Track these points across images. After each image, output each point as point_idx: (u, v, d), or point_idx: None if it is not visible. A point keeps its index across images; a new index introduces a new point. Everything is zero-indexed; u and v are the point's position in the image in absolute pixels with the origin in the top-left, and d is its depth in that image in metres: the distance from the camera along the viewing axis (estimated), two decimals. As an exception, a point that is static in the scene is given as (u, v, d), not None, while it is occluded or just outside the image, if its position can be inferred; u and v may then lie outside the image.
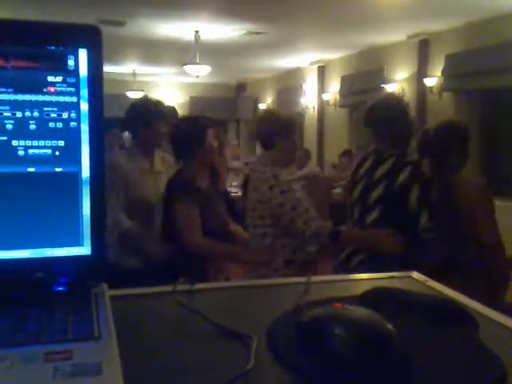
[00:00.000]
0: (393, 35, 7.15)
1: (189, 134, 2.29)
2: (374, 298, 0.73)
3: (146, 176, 2.42)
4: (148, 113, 2.41)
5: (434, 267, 1.71)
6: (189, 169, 2.29)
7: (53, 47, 0.64)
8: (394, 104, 2.34)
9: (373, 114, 2.32)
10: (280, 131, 2.27)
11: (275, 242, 2.21)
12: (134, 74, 10.52)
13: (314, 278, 0.84)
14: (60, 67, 0.64)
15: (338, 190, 5.94)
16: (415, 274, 0.91)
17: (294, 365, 0.56)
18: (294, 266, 2.22)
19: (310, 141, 9.55)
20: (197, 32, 6.95)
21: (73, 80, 0.64)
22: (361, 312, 0.58)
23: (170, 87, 11.69)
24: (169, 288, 0.76)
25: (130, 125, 2.51)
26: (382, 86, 7.74)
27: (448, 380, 0.55)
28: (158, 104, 2.51)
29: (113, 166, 2.30)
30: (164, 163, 2.54)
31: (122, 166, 2.35)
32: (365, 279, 0.90)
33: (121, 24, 6.55)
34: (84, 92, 0.65)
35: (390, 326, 0.56)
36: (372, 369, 0.52)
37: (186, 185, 2.24)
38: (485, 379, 0.55)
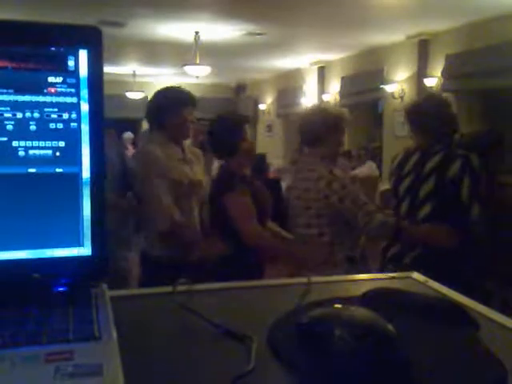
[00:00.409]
0: (393, 35, 7.16)
1: (231, 129, 2.30)
2: (374, 298, 0.73)
3: (181, 165, 2.36)
4: (175, 99, 2.36)
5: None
6: (234, 163, 2.30)
7: (53, 48, 0.64)
8: (439, 101, 2.37)
9: (418, 111, 2.32)
10: (330, 127, 2.26)
11: (334, 240, 2.19)
12: (133, 75, 10.52)
13: (315, 279, 0.84)
14: (60, 68, 0.64)
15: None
16: (416, 275, 0.91)
17: (295, 365, 0.56)
18: (354, 262, 2.21)
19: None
20: (197, 33, 6.96)
21: (73, 81, 0.65)
22: (361, 312, 0.58)
23: (170, 88, 11.66)
24: (169, 289, 0.76)
25: (155, 114, 2.40)
26: (382, 86, 7.75)
27: (448, 381, 0.55)
28: (183, 90, 2.45)
29: (153, 158, 2.26)
30: (192, 153, 2.50)
31: (159, 156, 2.28)
32: (365, 280, 0.90)
33: (121, 25, 6.55)
34: (84, 93, 0.65)
35: (390, 327, 0.56)
36: (372, 369, 0.52)
37: (235, 176, 2.24)
38: (485, 380, 0.55)
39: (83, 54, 0.65)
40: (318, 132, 2.27)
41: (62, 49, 0.64)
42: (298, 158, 2.50)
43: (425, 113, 2.28)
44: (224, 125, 2.36)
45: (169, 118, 2.34)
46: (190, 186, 2.32)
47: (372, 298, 0.73)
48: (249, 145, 2.38)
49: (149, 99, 2.50)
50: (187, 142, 2.58)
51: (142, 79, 10.84)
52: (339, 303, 0.64)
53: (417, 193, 2.21)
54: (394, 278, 0.89)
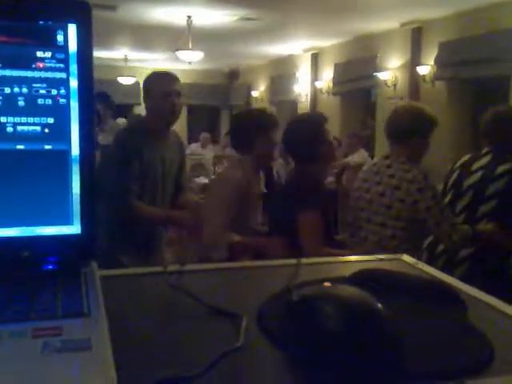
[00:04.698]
0: (386, 23, 7.13)
1: (311, 133, 2.17)
2: (363, 279, 0.73)
3: (257, 203, 2.30)
4: (264, 122, 2.22)
5: None
6: (315, 169, 2.17)
7: (42, 22, 0.63)
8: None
9: (496, 123, 2.35)
10: (420, 127, 2.21)
11: (402, 245, 2.13)
12: (125, 60, 10.41)
13: (304, 260, 0.84)
14: (49, 43, 0.63)
15: (331, 179, 5.96)
16: (405, 257, 0.91)
17: (284, 342, 0.56)
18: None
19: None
20: (189, 17, 6.88)
21: (62, 56, 0.63)
22: (350, 291, 0.58)
23: (162, 73, 11.55)
24: (159, 269, 0.76)
25: (240, 138, 2.26)
26: (375, 74, 7.73)
27: (436, 359, 0.56)
28: (266, 111, 2.34)
29: (236, 182, 2.16)
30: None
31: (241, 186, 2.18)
32: (354, 261, 0.90)
33: (112, 8, 6.46)
34: (73, 68, 0.64)
35: (378, 305, 0.56)
36: (361, 346, 0.52)
37: (316, 187, 2.13)
38: (473, 358, 0.56)
39: (72, 29, 0.63)
40: (407, 131, 2.21)
41: (50, 23, 0.63)
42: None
43: (503, 126, 2.32)
44: (302, 128, 2.22)
45: (255, 143, 2.21)
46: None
47: (361, 279, 0.73)
48: (330, 150, 2.23)
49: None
50: None
51: (133, 64, 10.73)
52: (328, 283, 0.64)
53: (482, 191, 2.24)
54: (383, 259, 0.90)
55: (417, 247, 2.22)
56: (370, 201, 2.23)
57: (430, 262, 2.27)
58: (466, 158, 2.45)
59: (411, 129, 2.20)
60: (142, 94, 2.38)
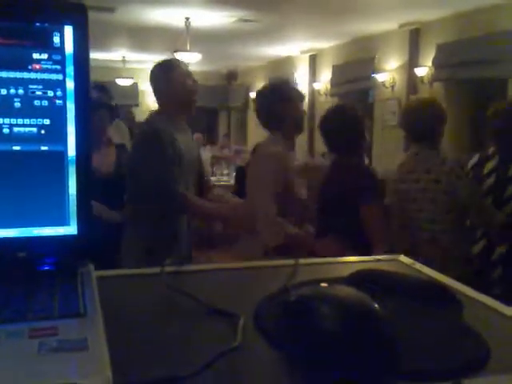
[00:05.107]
0: (384, 24, 7.14)
1: (355, 125, 2.18)
2: (360, 279, 0.73)
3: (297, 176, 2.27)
4: (289, 94, 2.20)
5: None
6: (362, 162, 2.21)
7: (38, 24, 0.63)
8: None
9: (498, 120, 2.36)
10: (442, 120, 2.23)
11: (452, 238, 2.15)
12: (123, 61, 10.41)
13: (302, 261, 0.84)
14: (45, 44, 0.63)
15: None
16: (402, 257, 0.91)
17: (281, 342, 0.56)
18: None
19: (300, 130, 9.53)
20: (187, 19, 6.89)
21: (58, 57, 0.64)
22: (347, 291, 0.58)
23: (161, 75, 11.56)
24: (156, 269, 0.76)
25: (267, 114, 2.22)
26: (373, 75, 7.74)
27: (432, 359, 0.56)
28: (289, 83, 2.30)
29: (279, 157, 2.11)
30: None
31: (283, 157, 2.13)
32: (351, 262, 0.91)
33: (110, 10, 6.46)
34: (70, 70, 0.64)
35: (375, 305, 0.56)
36: (358, 346, 0.52)
37: (375, 178, 2.12)
38: (469, 358, 0.56)
39: (69, 31, 0.64)
40: (430, 125, 2.22)
41: (47, 25, 0.63)
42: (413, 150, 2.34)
43: None
44: (353, 120, 2.21)
45: (285, 115, 2.18)
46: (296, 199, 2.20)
47: (358, 279, 0.73)
48: (366, 142, 2.24)
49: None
50: None
51: (131, 65, 10.73)
52: (325, 283, 0.64)
53: (501, 192, 2.26)
54: (380, 260, 0.90)
55: (465, 238, 2.22)
56: (413, 199, 2.22)
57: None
58: (475, 159, 2.43)
59: (433, 123, 2.23)
60: (153, 85, 2.31)
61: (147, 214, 2.14)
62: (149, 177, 2.08)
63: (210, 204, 2.26)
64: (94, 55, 8.76)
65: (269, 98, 2.22)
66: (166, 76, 2.24)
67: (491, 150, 2.40)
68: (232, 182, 5.48)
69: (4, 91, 0.62)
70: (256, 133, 11.03)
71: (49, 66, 0.63)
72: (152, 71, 2.31)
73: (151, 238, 2.12)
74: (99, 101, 2.78)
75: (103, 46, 8.78)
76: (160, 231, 2.14)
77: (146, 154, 2.13)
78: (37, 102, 0.63)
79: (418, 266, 0.88)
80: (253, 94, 11.51)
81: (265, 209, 2.04)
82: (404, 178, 2.27)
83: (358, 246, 1.94)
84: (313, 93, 9.45)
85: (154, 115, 2.31)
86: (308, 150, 9.04)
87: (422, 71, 7.02)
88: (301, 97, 2.28)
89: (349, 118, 2.21)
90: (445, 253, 2.13)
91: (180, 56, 7.39)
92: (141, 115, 11.26)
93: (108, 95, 4.74)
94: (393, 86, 7.61)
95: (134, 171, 2.18)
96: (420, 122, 2.24)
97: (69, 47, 0.64)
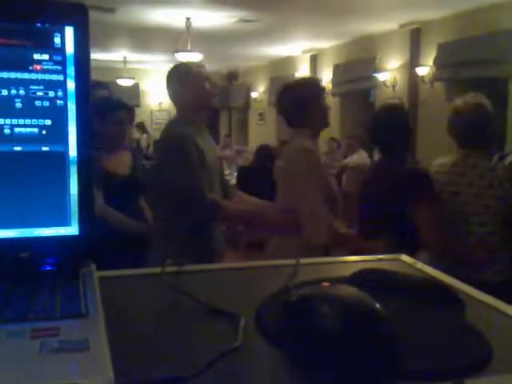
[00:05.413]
0: (385, 24, 7.14)
1: (403, 123, 2.18)
2: (361, 279, 0.73)
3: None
4: (314, 88, 2.20)
5: None
6: (405, 159, 2.16)
7: (39, 24, 0.63)
8: None
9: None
10: (489, 123, 2.20)
11: (500, 240, 2.13)
12: (124, 62, 10.42)
13: (303, 261, 0.84)
14: (46, 45, 0.63)
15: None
16: (404, 257, 0.91)
17: (282, 342, 0.56)
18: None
19: (301, 130, 9.52)
20: (188, 19, 6.89)
21: (59, 58, 0.64)
22: (349, 291, 0.58)
23: (161, 75, 11.56)
24: (157, 270, 0.76)
25: (293, 110, 2.18)
26: (374, 75, 7.74)
27: (434, 358, 0.56)
28: (313, 78, 2.33)
29: (315, 152, 2.09)
30: None
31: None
32: (353, 261, 0.90)
33: (111, 10, 6.47)
34: (71, 70, 0.64)
35: (377, 305, 0.56)
36: (359, 346, 0.52)
37: (427, 176, 2.07)
38: (471, 358, 0.56)
39: (69, 31, 0.64)
40: (481, 128, 2.19)
41: (48, 25, 0.63)
42: (464, 154, 2.32)
43: None
44: (399, 117, 2.20)
45: (311, 113, 2.15)
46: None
47: (360, 279, 0.73)
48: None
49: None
50: None
51: (132, 66, 10.75)
52: (327, 283, 0.64)
53: None
54: (382, 259, 0.90)
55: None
56: (465, 203, 2.19)
57: None
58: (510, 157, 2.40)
59: (483, 126, 2.19)
60: (170, 89, 2.26)
61: (178, 231, 2.10)
62: (175, 185, 2.04)
63: (241, 206, 2.23)
64: (95, 56, 8.76)
65: (299, 94, 2.18)
66: (183, 79, 2.23)
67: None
68: (234, 181, 5.49)
69: (5, 92, 0.62)
70: (257, 132, 11.04)
71: (50, 67, 0.63)
72: (169, 74, 2.29)
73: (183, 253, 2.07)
74: (119, 101, 2.72)
75: (104, 47, 8.79)
76: (192, 245, 2.09)
77: (170, 164, 2.09)
78: (38, 103, 0.63)
79: (420, 265, 0.88)
80: (254, 94, 11.53)
81: (312, 205, 2.00)
82: (452, 181, 2.25)
83: (410, 247, 1.92)
84: (314, 92, 9.44)
85: (172, 122, 2.29)
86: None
87: (423, 71, 7.02)
88: (324, 89, 2.30)
89: (401, 117, 2.21)
90: (492, 254, 2.12)
91: (181, 56, 7.39)
92: (142, 115, 11.29)
93: (110, 93, 4.69)
94: (394, 86, 7.61)
95: (159, 183, 2.14)
96: (471, 125, 2.20)
97: (70, 48, 0.64)
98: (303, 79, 2.39)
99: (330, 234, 2.00)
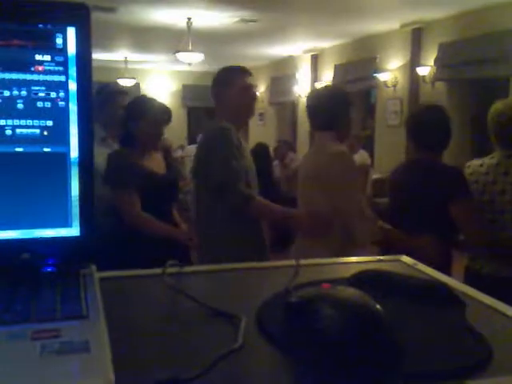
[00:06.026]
0: (386, 24, 7.14)
1: (446, 123, 2.21)
2: (362, 280, 0.73)
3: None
4: (343, 98, 2.26)
5: None
6: (440, 159, 2.20)
7: (41, 25, 0.63)
8: None
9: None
10: None
11: None
12: (125, 62, 10.42)
13: (304, 262, 0.84)
14: (48, 46, 0.63)
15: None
16: (404, 258, 0.91)
17: (283, 343, 0.56)
18: None
19: (303, 130, 9.54)
20: (189, 19, 6.89)
21: (61, 59, 0.64)
22: (349, 292, 0.58)
23: (163, 75, 11.60)
24: (158, 271, 0.76)
25: (331, 113, 2.21)
26: (375, 75, 7.74)
27: (435, 359, 0.56)
28: (341, 88, 2.40)
29: (348, 154, 2.16)
30: None
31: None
32: (353, 262, 0.90)
33: (112, 10, 6.47)
34: (72, 71, 0.64)
35: (378, 306, 0.56)
36: (360, 348, 0.52)
37: (465, 177, 2.12)
38: (471, 359, 0.56)
39: (71, 32, 0.64)
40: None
41: (49, 26, 0.63)
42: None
43: None
44: (441, 117, 2.23)
45: (343, 118, 2.24)
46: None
47: (360, 280, 0.73)
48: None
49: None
50: None
51: (133, 66, 10.74)
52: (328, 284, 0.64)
53: None
54: (382, 260, 0.90)
55: None
56: (490, 201, 2.21)
57: None
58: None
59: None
60: (214, 90, 2.29)
61: (229, 232, 2.13)
62: (216, 166, 2.07)
63: (277, 206, 2.21)
64: (96, 56, 8.75)
65: (333, 100, 2.25)
66: (230, 82, 2.25)
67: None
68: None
69: (7, 93, 0.62)
70: (257, 132, 11.03)
71: (51, 68, 0.63)
72: (217, 77, 2.32)
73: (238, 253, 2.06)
74: (159, 103, 2.71)
75: (105, 47, 8.79)
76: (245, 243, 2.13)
77: (212, 147, 2.14)
78: (39, 104, 0.63)
79: (420, 266, 0.88)
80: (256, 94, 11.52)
81: (360, 206, 2.05)
82: (479, 179, 2.26)
83: (450, 243, 2.01)
84: (315, 92, 9.44)
85: (214, 121, 2.32)
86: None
87: (424, 71, 7.02)
88: (351, 99, 2.36)
89: (442, 116, 2.24)
90: None
91: (182, 56, 7.40)
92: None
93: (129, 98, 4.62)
94: (395, 86, 7.61)
95: (204, 171, 2.17)
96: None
97: (71, 48, 0.64)
98: (338, 88, 2.47)
99: (377, 233, 2.06)
